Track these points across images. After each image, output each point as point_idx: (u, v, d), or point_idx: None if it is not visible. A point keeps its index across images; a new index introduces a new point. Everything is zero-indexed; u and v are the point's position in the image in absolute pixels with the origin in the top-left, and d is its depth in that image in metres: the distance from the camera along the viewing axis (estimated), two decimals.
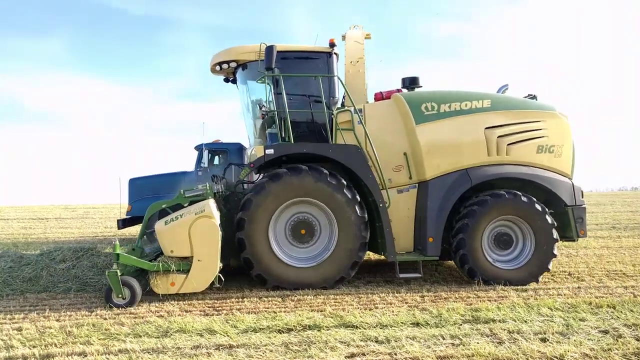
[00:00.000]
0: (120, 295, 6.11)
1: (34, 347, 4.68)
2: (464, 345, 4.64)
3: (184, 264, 6.47)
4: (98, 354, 4.48)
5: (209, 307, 6.14)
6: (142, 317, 5.65)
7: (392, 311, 5.85)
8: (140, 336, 4.99)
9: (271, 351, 4.56)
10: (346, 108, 7.64)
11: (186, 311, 5.94)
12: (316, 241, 7.33)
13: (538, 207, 7.26)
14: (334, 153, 7.29)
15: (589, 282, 7.44)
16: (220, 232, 6.52)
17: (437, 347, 4.62)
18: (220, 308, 6.07)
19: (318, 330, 5.12)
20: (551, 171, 7.61)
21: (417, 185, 7.55)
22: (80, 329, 5.16)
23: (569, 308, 5.88)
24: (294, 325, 5.25)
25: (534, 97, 8.15)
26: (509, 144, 7.51)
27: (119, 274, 6.07)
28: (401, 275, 7.21)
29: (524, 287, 7.07)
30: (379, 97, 7.90)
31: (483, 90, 7.86)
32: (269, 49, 7.03)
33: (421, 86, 8.14)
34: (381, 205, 7.17)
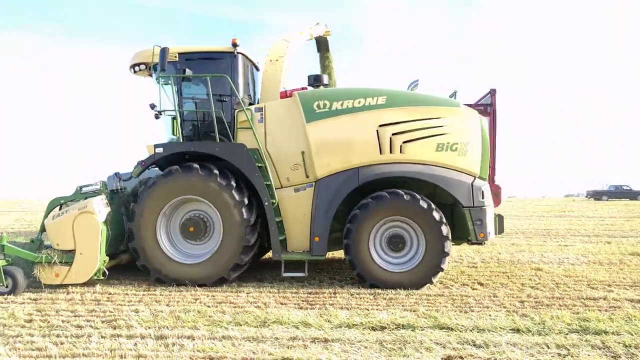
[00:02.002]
0: (2, 284, 6.50)
1: (149, 327, 5.15)
2: (572, 357, 4.34)
3: (68, 257, 6.80)
4: (205, 339, 4.81)
5: (302, 300, 6.33)
6: (242, 307, 5.97)
7: (489, 315, 5.61)
8: (241, 325, 5.28)
9: (366, 347, 4.60)
10: (247, 107, 7.54)
11: (281, 304, 6.17)
12: (209, 239, 7.39)
13: (423, 204, 6.79)
14: (220, 151, 7.27)
15: None
16: (100, 228, 6.79)
17: (541, 355, 4.37)
18: (313, 302, 6.23)
19: (412, 330, 5.07)
20: (456, 170, 7.08)
21: (313, 184, 7.27)
22: (188, 315, 5.58)
23: None
24: (387, 324, 5.24)
25: (454, 95, 7.55)
26: (404, 142, 7.07)
27: (4, 264, 6.55)
28: (284, 274, 7.19)
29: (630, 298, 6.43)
30: (284, 95, 7.67)
31: (382, 87, 7.39)
32: (162, 51, 7.16)
33: (327, 84, 8.01)
34: (267, 203, 7.11)
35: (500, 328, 5.10)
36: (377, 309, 5.88)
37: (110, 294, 6.61)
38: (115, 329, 5.14)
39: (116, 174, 7.79)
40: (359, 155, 7.14)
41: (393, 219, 7.02)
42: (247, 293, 6.66)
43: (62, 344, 4.67)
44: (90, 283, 7.03)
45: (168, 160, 7.46)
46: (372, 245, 7.01)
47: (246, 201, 7.09)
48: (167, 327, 5.17)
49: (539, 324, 5.25)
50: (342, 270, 7.89)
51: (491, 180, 10.26)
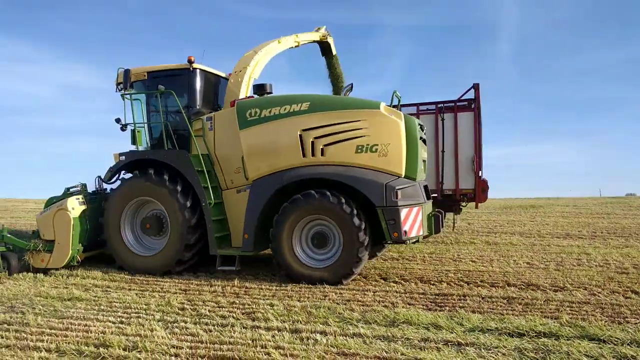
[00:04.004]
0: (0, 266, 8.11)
1: (284, 321, 5.45)
2: None
3: (50, 246, 8.18)
4: (336, 335, 4.95)
5: (430, 302, 6.20)
6: (369, 306, 6.03)
7: None
8: (370, 323, 5.34)
9: (504, 354, 4.36)
10: (196, 118, 8.32)
11: (409, 304, 6.11)
12: (166, 234, 8.19)
13: (346, 207, 7.01)
14: (167, 158, 8.15)
15: None
16: (72, 223, 8.08)
17: None
18: (442, 304, 6.07)
19: (556, 339, 4.68)
20: (377, 171, 7.17)
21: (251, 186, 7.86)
22: (319, 311, 5.78)
23: None
24: (525, 331, 4.90)
25: (393, 96, 7.84)
26: (325, 145, 7.36)
27: (3, 250, 8.19)
28: (218, 268, 7.80)
29: None
30: (232, 104, 8.09)
31: (308, 93, 7.72)
32: (125, 72, 8.31)
33: (270, 92, 8.30)
34: (204, 204, 7.84)
35: None
36: (512, 314, 5.54)
37: (247, 287, 7.13)
38: (254, 320, 5.54)
39: (99, 177, 9.02)
40: (284, 159, 7.55)
41: (314, 217, 7.33)
42: (374, 292, 6.71)
43: (210, 331, 5.16)
44: (229, 277, 7.68)
45: (139, 166, 8.44)
46: (296, 242, 7.41)
47: (189, 204, 7.90)
48: (300, 322, 5.43)
49: None
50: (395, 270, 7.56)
51: (476, 176, 10.68)
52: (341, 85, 11.72)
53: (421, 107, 11.27)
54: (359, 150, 7.26)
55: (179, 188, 7.95)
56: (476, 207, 11.23)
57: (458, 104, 10.95)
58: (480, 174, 10.76)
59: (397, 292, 6.72)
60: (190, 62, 8.40)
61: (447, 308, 5.88)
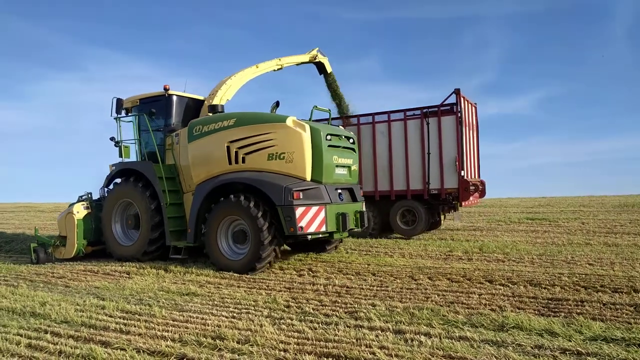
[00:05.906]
0: (32, 258, 10.59)
1: (387, 322, 5.44)
2: None
3: (64, 241, 10.67)
4: (441, 337, 4.84)
5: (542, 307, 5.81)
6: (475, 309, 5.81)
7: None
8: (477, 327, 5.14)
9: None
10: (171, 134, 10.14)
11: (519, 308, 5.78)
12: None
13: (244, 202, 8.29)
14: (139, 168, 10.10)
15: None
16: (76, 223, 10.41)
17: None
18: (556, 309, 5.67)
19: None
20: (285, 175, 8.38)
21: None
22: (421, 312, 5.69)
23: None
24: None
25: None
26: (245, 154, 8.76)
27: (35, 245, 10.65)
28: (170, 256, 9.60)
29: None
30: None
31: (236, 111, 9.32)
32: (118, 100, 10.29)
33: (221, 111, 9.74)
34: (162, 204, 9.66)
35: None
36: None
37: (348, 287, 7.24)
38: (357, 320, 5.59)
39: (102, 187, 11.08)
40: (216, 166, 9.07)
41: (233, 218, 8.67)
42: (479, 295, 6.45)
43: (315, 329, 5.31)
44: (330, 277, 7.85)
45: (128, 175, 10.38)
46: (221, 238, 8.83)
47: (153, 207, 9.75)
48: (403, 323, 5.38)
49: None
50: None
51: (459, 176, 11.59)
52: (338, 102, 13.27)
53: (408, 113, 12.40)
54: (270, 158, 8.55)
55: (140, 186, 9.92)
56: (460, 205, 12.04)
57: (441, 108, 11.86)
58: (462, 174, 11.58)
59: (504, 295, 6.40)
60: (165, 89, 10.14)
61: (563, 314, 5.47)
